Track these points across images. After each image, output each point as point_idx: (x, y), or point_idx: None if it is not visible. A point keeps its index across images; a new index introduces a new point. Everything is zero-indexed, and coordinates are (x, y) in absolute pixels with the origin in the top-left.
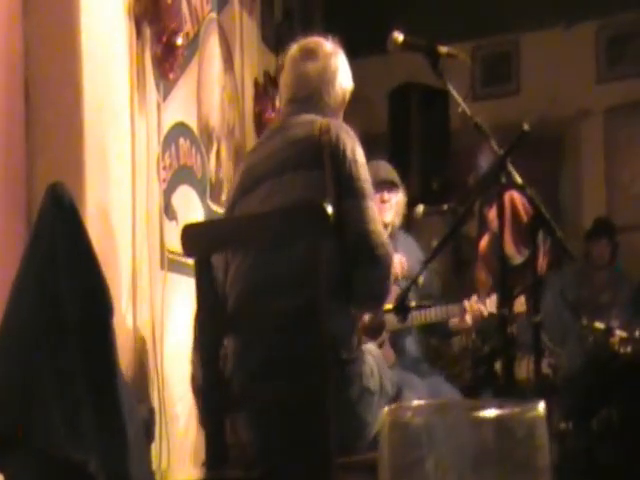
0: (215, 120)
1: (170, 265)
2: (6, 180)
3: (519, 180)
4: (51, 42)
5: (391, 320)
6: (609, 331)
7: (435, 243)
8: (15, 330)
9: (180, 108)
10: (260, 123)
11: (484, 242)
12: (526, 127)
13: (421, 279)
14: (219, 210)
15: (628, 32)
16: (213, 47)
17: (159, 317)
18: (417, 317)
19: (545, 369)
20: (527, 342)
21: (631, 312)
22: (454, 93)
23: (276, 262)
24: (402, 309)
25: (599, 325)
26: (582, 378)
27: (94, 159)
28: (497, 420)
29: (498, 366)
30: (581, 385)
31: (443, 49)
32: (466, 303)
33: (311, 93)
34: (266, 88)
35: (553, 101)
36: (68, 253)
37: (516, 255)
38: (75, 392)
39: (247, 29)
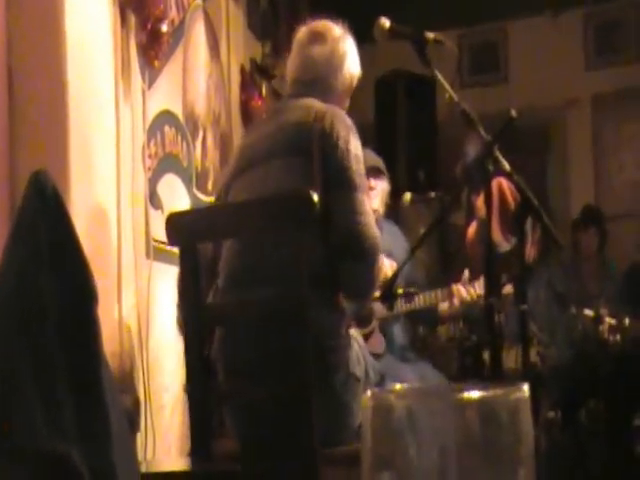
0: (201, 108)
1: (156, 254)
2: None
3: (507, 167)
4: (34, 31)
5: (379, 308)
6: (598, 319)
7: (422, 232)
8: None
9: (165, 96)
10: (246, 111)
11: (471, 229)
12: (513, 113)
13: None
14: (205, 199)
15: (616, 20)
16: (199, 34)
17: (145, 307)
18: (404, 304)
19: (533, 358)
20: (515, 331)
21: (619, 301)
22: (442, 80)
23: (260, 251)
24: (389, 296)
25: (588, 313)
26: (571, 367)
27: (78, 148)
28: (480, 402)
29: (486, 356)
30: (570, 374)
31: (430, 36)
32: (454, 286)
33: (317, 77)
34: (252, 76)
35: (540, 89)
36: (51, 243)
37: (503, 242)
38: (57, 383)
39: (233, 16)
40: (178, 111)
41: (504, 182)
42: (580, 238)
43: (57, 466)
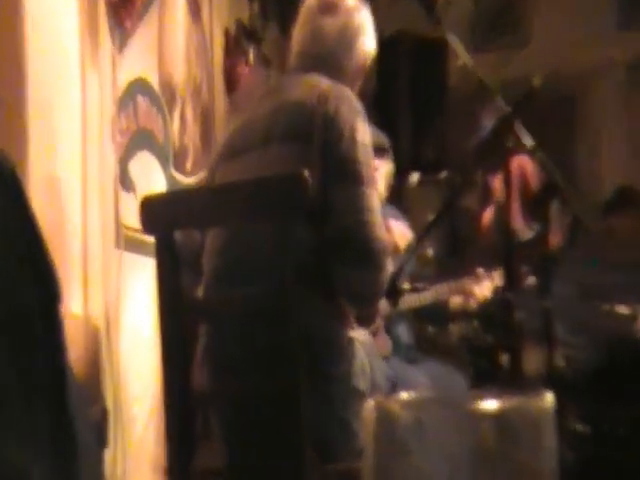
0: (179, 76)
1: (127, 244)
2: None
3: (528, 142)
4: None
5: (384, 305)
6: (633, 317)
7: (430, 218)
8: None
9: (138, 61)
10: (231, 80)
11: (487, 215)
12: (536, 82)
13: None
14: (184, 180)
15: None
16: None
17: (114, 304)
18: (410, 300)
19: (559, 362)
20: (537, 330)
21: None
22: (453, 43)
23: (246, 243)
24: (393, 293)
25: (622, 310)
26: (602, 372)
27: (38, 121)
28: (497, 413)
29: (503, 359)
30: (602, 381)
31: None
32: (466, 282)
33: (326, 52)
34: (238, 40)
35: (567, 53)
36: (7, 230)
37: (524, 229)
38: (15, 393)
39: None
40: (153, 79)
41: (525, 160)
42: (613, 223)
43: None
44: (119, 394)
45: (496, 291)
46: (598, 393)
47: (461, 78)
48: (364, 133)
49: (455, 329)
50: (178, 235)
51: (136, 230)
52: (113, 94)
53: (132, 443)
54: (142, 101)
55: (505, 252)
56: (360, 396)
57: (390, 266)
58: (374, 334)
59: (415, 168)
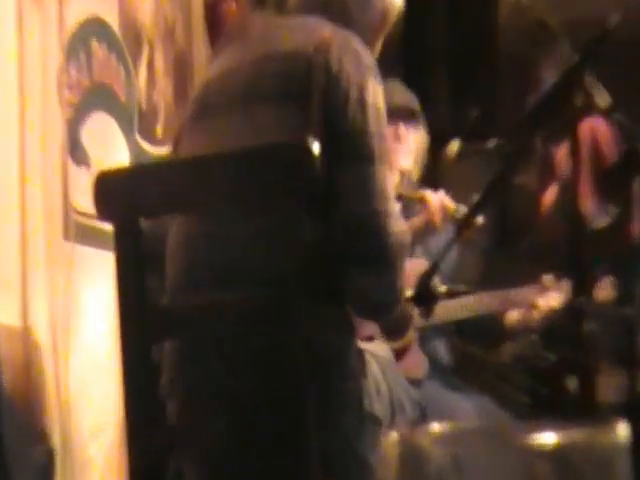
0: (146, 15)
1: (79, 234)
2: None
3: (603, 101)
4: None
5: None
6: None
7: (474, 199)
8: None
9: None
10: (214, 20)
11: (549, 196)
12: (612, 22)
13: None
14: (153, 150)
15: None
16: None
17: (63, 314)
18: (449, 309)
19: None
20: (615, 347)
21: None
22: None
23: (230, 234)
24: (425, 298)
25: None
26: None
27: None
28: (556, 449)
29: (571, 383)
30: None
31: None
32: (528, 291)
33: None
34: None
35: None
36: None
37: (597, 214)
38: None
39: None
40: (112, 19)
41: (599, 124)
42: None
43: None
44: (69, 431)
45: (566, 303)
46: None
47: (514, 18)
48: (376, 94)
49: (507, 347)
50: (146, 223)
51: (90, 216)
52: (60, 38)
53: None
54: (98, 48)
55: (573, 244)
56: (375, 422)
57: (420, 260)
58: (404, 350)
59: (455, 134)
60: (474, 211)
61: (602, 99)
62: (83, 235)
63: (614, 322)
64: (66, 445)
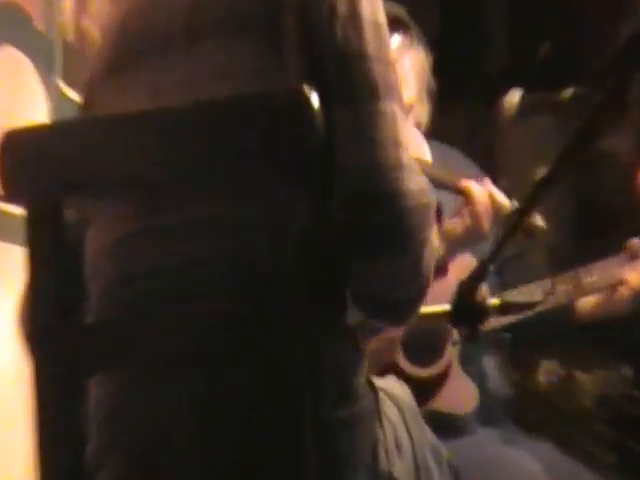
0: None
1: None
2: None
3: None
4: None
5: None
6: None
7: (541, 171)
8: None
9: None
10: None
11: None
12: None
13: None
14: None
15: None
16: None
17: None
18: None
19: None
20: None
21: None
22: None
23: (194, 224)
24: (470, 313)
25: None
26: None
27: None
28: None
29: None
30: None
31: None
32: (613, 261)
33: None
34: None
35: None
36: None
37: None
38: None
39: None
40: None
41: None
42: None
43: None
44: None
45: None
46: None
47: None
48: (374, 5)
49: (587, 381)
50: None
51: None
52: None
53: None
54: None
55: None
56: None
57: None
58: (440, 377)
59: (518, 81)
60: (544, 186)
61: None
62: None
63: None
64: None
